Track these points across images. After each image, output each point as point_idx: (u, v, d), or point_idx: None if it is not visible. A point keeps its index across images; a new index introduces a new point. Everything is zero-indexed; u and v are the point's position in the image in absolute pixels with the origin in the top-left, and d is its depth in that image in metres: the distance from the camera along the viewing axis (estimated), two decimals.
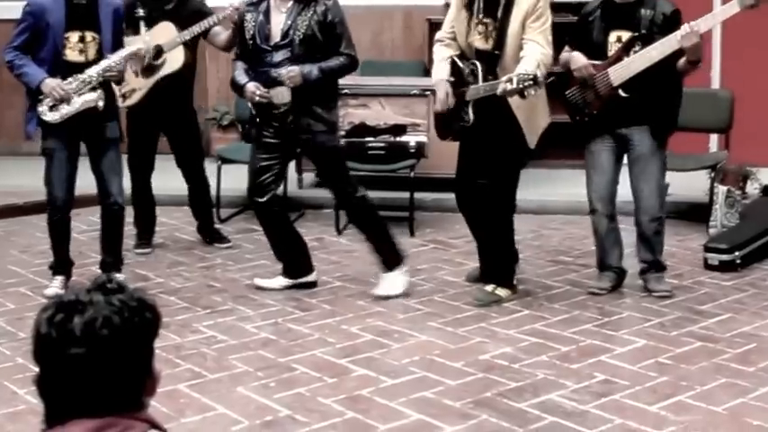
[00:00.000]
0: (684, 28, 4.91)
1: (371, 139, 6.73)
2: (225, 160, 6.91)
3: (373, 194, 6.90)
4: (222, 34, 6.04)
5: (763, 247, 5.94)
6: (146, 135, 6.17)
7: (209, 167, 6.51)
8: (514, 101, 4.84)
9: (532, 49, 4.86)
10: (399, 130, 6.77)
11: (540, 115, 5.12)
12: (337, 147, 5.41)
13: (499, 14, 4.95)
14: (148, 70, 6.02)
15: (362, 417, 3.91)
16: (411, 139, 6.73)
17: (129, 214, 6.08)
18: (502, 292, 5.25)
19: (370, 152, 6.70)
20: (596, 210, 5.31)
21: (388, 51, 8.53)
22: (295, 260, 5.46)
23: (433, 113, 5.39)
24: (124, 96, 6.05)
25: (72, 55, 5.17)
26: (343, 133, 6.61)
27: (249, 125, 5.48)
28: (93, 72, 5.16)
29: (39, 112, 5.14)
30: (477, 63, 5.02)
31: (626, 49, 5.07)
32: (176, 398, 4.06)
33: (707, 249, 5.87)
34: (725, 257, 5.78)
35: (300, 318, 5.06)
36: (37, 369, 1.69)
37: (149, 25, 5.93)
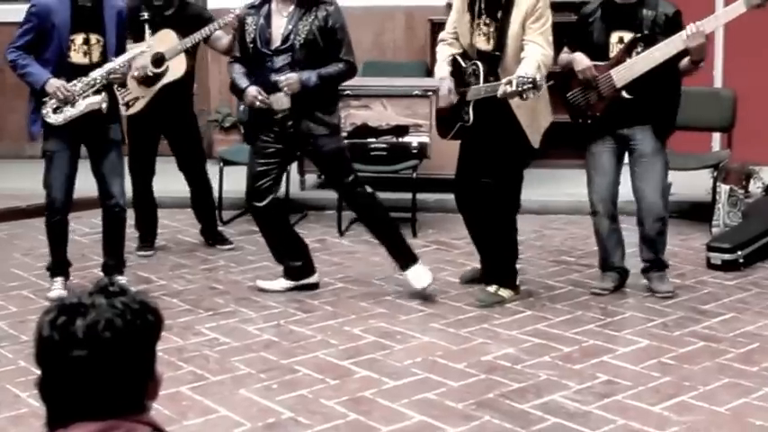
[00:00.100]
0: (690, 28, 4.90)
1: (374, 139, 6.74)
2: (227, 162, 6.91)
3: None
4: (223, 39, 6.03)
5: (766, 246, 5.93)
6: (146, 139, 6.17)
7: (211, 169, 6.51)
8: (515, 101, 4.85)
9: (533, 51, 4.86)
10: (401, 130, 6.77)
11: (543, 114, 5.12)
12: (341, 148, 5.39)
13: (499, 16, 4.96)
14: (151, 78, 6.03)
15: (365, 418, 3.91)
16: (413, 139, 6.73)
17: (131, 217, 6.09)
18: (504, 292, 5.25)
19: (372, 153, 6.71)
20: (598, 211, 5.31)
21: (389, 52, 8.53)
22: (296, 262, 5.46)
23: (435, 111, 5.39)
24: (128, 105, 6.06)
25: (76, 57, 5.17)
26: (345, 134, 6.62)
27: (247, 128, 5.46)
28: (97, 74, 5.16)
29: (42, 114, 5.14)
30: (479, 63, 5.03)
31: (628, 51, 5.06)
32: (178, 400, 4.06)
33: (710, 249, 5.86)
34: (728, 257, 5.77)
35: (303, 319, 5.06)
36: (39, 372, 1.69)
37: (153, 30, 5.92)
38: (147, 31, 5.68)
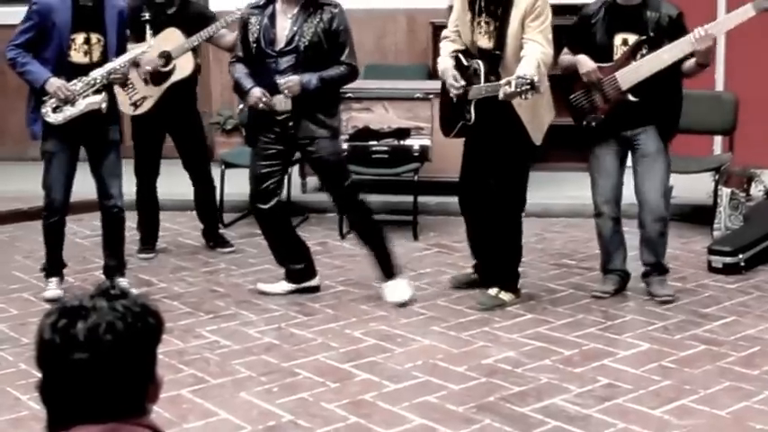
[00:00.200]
0: (699, 31, 4.88)
1: (375, 142, 6.74)
2: (228, 165, 6.90)
3: (377, 198, 6.91)
4: (228, 36, 6.03)
5: (767, 249, 5.93)
6: (152, 139, 6.17)
7: (213, 172, 6.50)
8: (517, 100, 4.85)
9: (532, 49, 4.87)
10: (403, 133, 6.77)
11: (545, 111, 5.12)
12: (339, 152, 5.39)
13: (499, 14, 4.96)
14: (159, 77, 6.03)
15: (365, 422, 3.91)
16: (415, 142, 6.73)
17: (133, 218, 6.10)
18: (505, 296, 5.25)
19: (373, 156, 6.71)
20: (603, 213, 5.30)
21: (391, 55, 8.54)
22: (297, 265, 5.46)
23: (438, 109, 5.39)
24: (135, 105, 6.06)
25: (77, 56, 5.17)
26: (346, 137, 6.62)
27: (248, 130, 5.45)
28: (97, 74, 5.16)
29: (42, 113, 5.14)
30: (480, 62, 5.03)
31: (633, 53, 5.05)
32: (179, 403, 4.06)
33: (711, 252, 5.86)
34: (729, 260, 5.77)
35: (303, 322, 5.06)
36: (40, 375, 1.69)
37: (154, 32, 5.92)
38: (149, 32, 5.68)
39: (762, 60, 7.75)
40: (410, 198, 6.67)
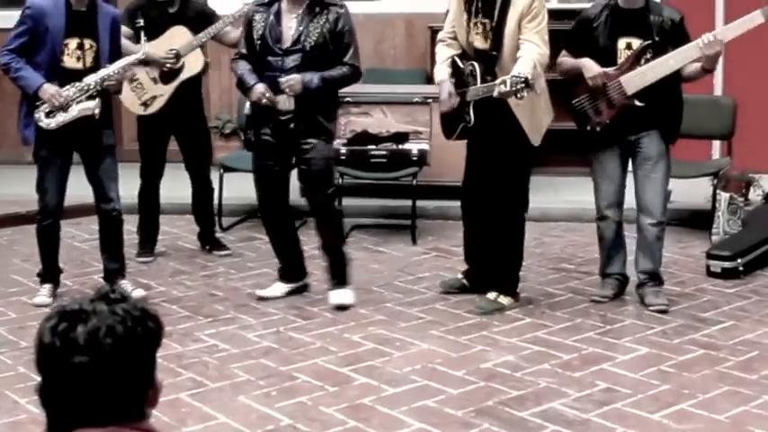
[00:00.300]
0: (707, 36, 4.88)
1: (373, 147, 6.73)
2: (227, 169, 6.90)
3: (375, 202, 6.92)
4: (232, 32, 6.03)
5: (765, 254, 5.94)
6: (157, 139, 6.16)
7: (211, 176, 6.50)
8: (513, 100, 4.85)
9: (528, 50, 4.88)
10: (401, 137, 6.77)
11: (542, 113, 5.13)
12: (330, 157, 5.35)
13: (495, 15, 4.97)
14: (168, 76, 6.03)
15: (364, 426, 3.90)
16: (413, 146, 6.73)
17: (133, 221, 6.10)
18: (504, 300, 5.25)
19: (372, 160, 6.70)
20: (607, 216, 5.29)
21: (390, 59, 8.55)
22: (296, 266, 5.47)
23: (439, 113, 5.40)
24: (146, 104, 6.06)
25: (70, 62, 5.16)
26: (345, 141, 6.63)
27: (248, 125, 5.41)
28: (91, 80, 5.15)
29: (35, 118, 5.14)
30: (476, 63, 5.04)
31: (638, 57, 5.04)
32: (178, 407, 4.05)
33: (709, 256, 5.86)
34: (727, 265, 5.77)
35: (302, 326, 5.06)
36: (39, 378, 1.69)
37: (156, 31, 5.91)
38: (143, 39, 5.68)
39: (760, 65, 7.76)
40: (408, 202, 6.67)
